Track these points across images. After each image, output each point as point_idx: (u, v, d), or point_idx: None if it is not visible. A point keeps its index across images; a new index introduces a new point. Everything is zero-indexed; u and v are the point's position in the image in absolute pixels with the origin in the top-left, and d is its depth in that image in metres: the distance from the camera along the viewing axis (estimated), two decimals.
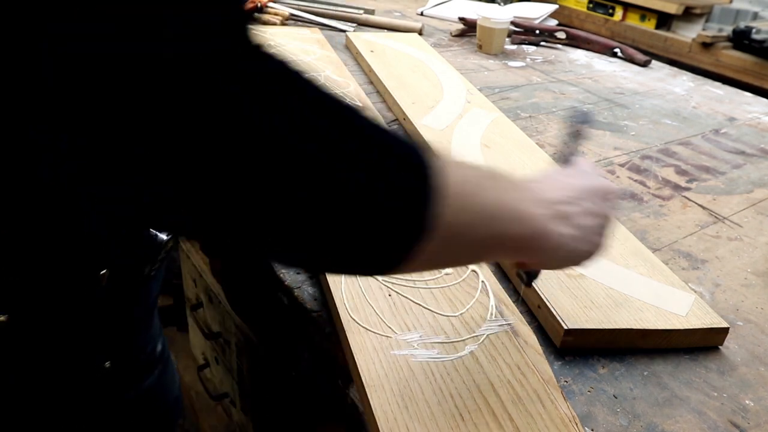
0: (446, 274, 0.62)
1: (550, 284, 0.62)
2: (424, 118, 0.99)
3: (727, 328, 0.60)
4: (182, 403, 0.72)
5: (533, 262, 0.46)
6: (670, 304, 0.61)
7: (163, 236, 0.55)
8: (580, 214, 0.44)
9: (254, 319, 0.89)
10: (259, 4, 1.52)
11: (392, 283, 0.60)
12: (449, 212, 0.34)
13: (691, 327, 0.58)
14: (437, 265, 0.40)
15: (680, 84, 1.46)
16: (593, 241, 0.46)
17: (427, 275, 0.61)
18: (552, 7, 1.88)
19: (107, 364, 0.54)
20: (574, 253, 0.45)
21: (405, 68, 1.22)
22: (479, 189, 0.38)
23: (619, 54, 1.61)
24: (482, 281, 0.62)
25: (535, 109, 1.18)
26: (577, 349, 0.57)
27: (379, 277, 0.61)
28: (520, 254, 0.44)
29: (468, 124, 0.98)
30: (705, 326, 0.59)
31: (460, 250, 0.38)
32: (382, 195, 0.31)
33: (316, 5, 1.61)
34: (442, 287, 0.60)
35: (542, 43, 1.66)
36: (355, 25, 1.60)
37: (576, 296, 0.60)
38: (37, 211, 0.44)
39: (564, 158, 0.53)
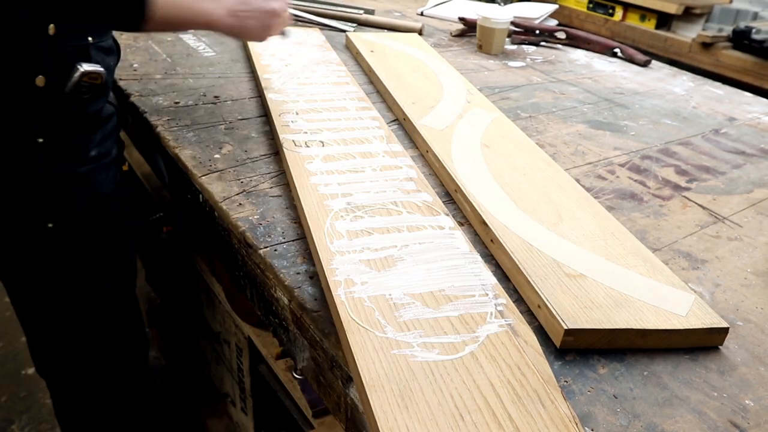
0: (447, 271, 0.62)
1: (550, 284, 0.62)
2: (424, 118, 0.99)
3: (727, 328, 0.60)
4: (124, 207, 0.86)
5: (227, 33, 0.83)
6: (670, 304, 0.61)
7: None
8: (248, 11, 0.82)
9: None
10: None
11: (393, 282, 0.60)
12: (160, 7, 0.71)
13: (691, 327, 0.58)
14: (163, 30, 0.85)
15: (680, 84, 1.46)
16: (263, 23, 0.84)
17: (427, 277, 0.61)
18: (552, 7, 1.88)
19: (40, 140, 0.71)
20: (248, 30, 0.83)
21: (405, 68, 1.22)
22: None
23: (619, 54, 1.61)
24: (482, 281, 0.62)
25: (535, 109, 1.18)
26: (577, 349, 0.57)
27: (380, 279, 0.60)
28: (214, 29, 0.80)
29: (468, 124, 0.98)
30: (705, 326, 0.59)
31: (173, 26, 0.80)
32: None
33: (316, 5, 1.61)
34: (442, 287, 0.60)
35: (542, 43, 1.66)
36: (355, 25, 1.60)
37: (576, 296, 0.60)
38: None
39: None
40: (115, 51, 0.80)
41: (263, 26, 0.84)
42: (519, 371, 0.51)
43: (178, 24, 0.78)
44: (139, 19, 0.70)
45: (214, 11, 0.77)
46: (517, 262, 0.64)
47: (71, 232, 0.79)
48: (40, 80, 0.69)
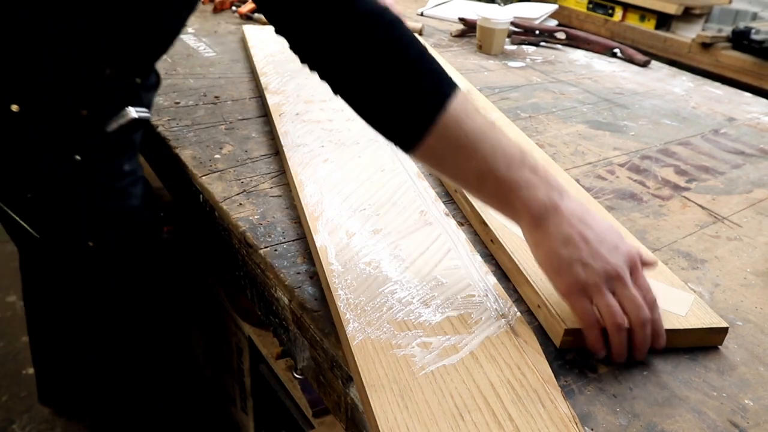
0: (447, 271, 0.62)
1: (550, 284, 0.62)
2: None
3: (727, 328, 0.60)
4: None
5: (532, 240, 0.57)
6: (669, 304, 0.61)
7: None
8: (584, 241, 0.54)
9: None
10: None
11: (393, 282, 0.60)
12: (453, 116, 0.52)
13: (691, 327, 0.59)
14: (436, 162, 0.56)
15: (680, 84, 1.46)
16: (591, 278, 0.53)
17: (428, 277, 0.62)
18: (552, 8, 1.88)
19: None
20: (564, 267, 0.54)
21: None
22: (468, 122, 0.53)
23: (619, 54, 1.61)
24: (482, 281, 0.62)
25: (535, 109, 1.18)
26: (577, 349, 0.57)
27: (381, 278, 0.61)
28: (517, 219, 0.56)
29: None
30: (704, 326, 0.59)
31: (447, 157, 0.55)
32: (407, 100, 0.53)
33: None
34: (442, 287, 0.60)
35: (542, 44, 1.66)
36: None
37: None
38: None
39: None
40: (156, 85, 0.79)
41: (599, 278, 0.53)
42: (519, 371, 0.52)
43: (472, 184, 0.56)
44: (410, 146, 0.54)
45: (529, 192, 0.53)
46: (517, 262, 0.64)
47: (109, 252, 0.78)
48: (84, 112, 0.68)
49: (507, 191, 0.54)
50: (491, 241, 0.70)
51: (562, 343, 0.57)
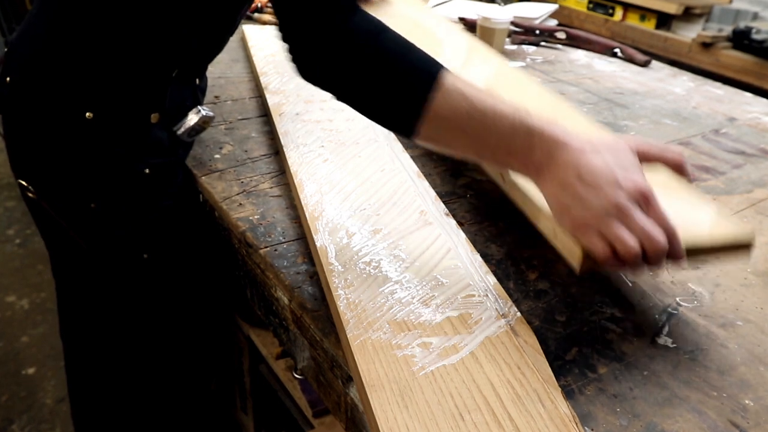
0: (447, 271, 0.62)
1: None
2: None
3: (750, 244, 0.58)
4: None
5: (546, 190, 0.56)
6: (691, 219, 0.59)
7: None
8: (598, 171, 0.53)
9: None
10: (259, 5, 1.53)
11: (393, 282, 0.60)
12: (438, 104, 0.55)
13: (715, 242, 0.57)
14: (435, 143, 0.59)
15: (680, 84, 1.46)
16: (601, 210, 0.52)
17: (427, 277, 0.62)
18: (552, 7, 1.88)
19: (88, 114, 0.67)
20: (574, 204, 0.53)
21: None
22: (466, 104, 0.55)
23: (619, 54, 1.61)
24: (482, 281, 0.62)
25: None
26: (596, 273, 0.55)
27: (381, 278, 0.61)
28: (529, 172, 0.57)
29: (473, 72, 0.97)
30: (729, 239, 0.58)
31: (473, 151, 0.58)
32: (402, 87, 0.56)
33: None
34: (441, 287, 0.60)
35: (542, 44, 1.66)
36: None
37: None
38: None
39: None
40: (206, 86, 0.82)
41: (600, 213, 0.52)
42: (519, 371, 0.51)
43: (480, 149, 0.57)
44: (409, 135, 0.58)
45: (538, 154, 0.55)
46: (530, 195, 0.63)
47: (164, 262, 0.80)
48: (154, 117, 0.70)
49: (503, 159, 0.57)
50: (502, 178, 0.70)
51: (582, 265, 0.54)
